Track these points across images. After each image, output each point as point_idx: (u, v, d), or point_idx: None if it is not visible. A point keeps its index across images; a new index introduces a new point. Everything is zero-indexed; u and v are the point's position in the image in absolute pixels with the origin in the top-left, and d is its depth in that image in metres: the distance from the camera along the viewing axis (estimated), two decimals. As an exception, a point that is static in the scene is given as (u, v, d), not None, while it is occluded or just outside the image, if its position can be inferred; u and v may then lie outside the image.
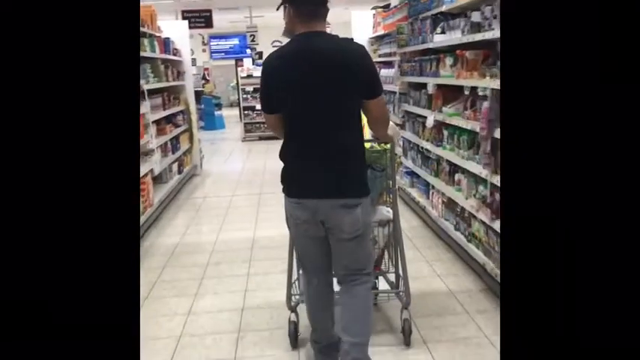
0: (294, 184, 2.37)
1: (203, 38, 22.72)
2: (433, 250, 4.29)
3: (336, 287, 2.61)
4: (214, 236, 4.90)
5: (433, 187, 4.64)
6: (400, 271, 3.01)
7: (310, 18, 2.29)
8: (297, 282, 3.02)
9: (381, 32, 6.86)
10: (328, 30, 2.43)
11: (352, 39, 3.10)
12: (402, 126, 5.69)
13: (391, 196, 2.99)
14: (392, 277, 3.23)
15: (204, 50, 23.29)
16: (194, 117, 7.81)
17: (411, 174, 5.45)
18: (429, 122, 4.41)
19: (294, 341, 2.91)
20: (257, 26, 15.36)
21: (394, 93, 5.85)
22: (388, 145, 2.83)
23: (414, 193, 5.24)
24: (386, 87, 6.33)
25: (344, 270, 2.48)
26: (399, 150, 5.82)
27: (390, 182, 2.96)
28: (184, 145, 7.40)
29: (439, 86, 4.32)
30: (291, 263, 2.91)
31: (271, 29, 19.80)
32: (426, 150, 4.71)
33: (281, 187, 2.43)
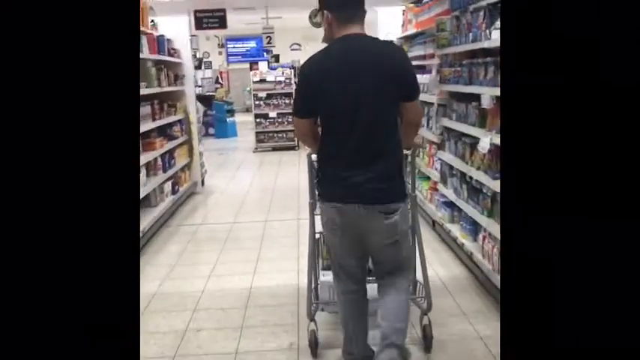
0: (332, 188, 2.35)
1: (219, 40, 21.89)
2: (486, 316, 3.20)
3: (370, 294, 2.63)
4: (201, 284, 3.87)
5: (485, 230, 3.55)
6: (420, 277, 2.96)
7: (349, 21, 2.31)
8: (315, 290, 3.00)
9: (412, 31, 5.80)
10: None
11: (391, 41, 2.85)
12: (439, 145, 4.61)
13: (409, 202, 2.72)
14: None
15: (220, 53, 22.44)
16: (194, 127, 6.80)
17: (451, 206, 4.36)
18: (484, 146, 3.33)
19: (315, 350, 2.81)
20: (273, 27, 14.37)
21: (431, 104, 4.77)
22: (409, 151, 2.74)
23: (456, 231, 4.15)
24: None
25: (383, 271, 2.51)
26: (436, 174, 4.73)
27: (410, 187, 2.85)
28: (181, 160, 6.39)
29: (499, 99, 3.23)
30: (312, 268, 2.92)
31: (289, 32, 18.90)
32: (477, 181, 3.62)
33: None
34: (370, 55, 2.27)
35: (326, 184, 2.38)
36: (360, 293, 2.57)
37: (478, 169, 3.56)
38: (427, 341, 2.80)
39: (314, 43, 19.68)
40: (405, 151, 2.64)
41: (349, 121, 2.24)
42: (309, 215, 2.84)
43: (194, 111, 6.84)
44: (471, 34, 3.63)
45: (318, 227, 2.73)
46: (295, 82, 10.75)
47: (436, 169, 4.72)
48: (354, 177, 2.26)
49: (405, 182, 2.58)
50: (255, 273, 4.04)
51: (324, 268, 3.07)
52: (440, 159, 4.56)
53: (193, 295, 3.67)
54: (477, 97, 3.57)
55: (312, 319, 2.86)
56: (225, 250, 4.62)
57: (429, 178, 5.12)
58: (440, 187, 4.57)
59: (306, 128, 2.41)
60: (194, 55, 15.78)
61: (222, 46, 21.81)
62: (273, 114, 10.45)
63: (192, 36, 14.06)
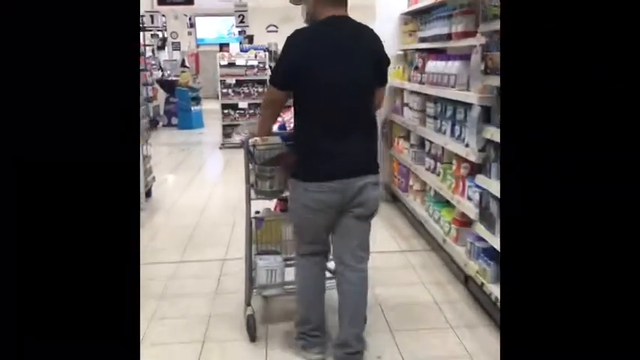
0: (324, 165, 2.33)
1: (190, 19, 20.06)
2: None
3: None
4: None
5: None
6: None
7: (336, 2, 2.37)
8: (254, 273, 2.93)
9: (426, 3, 4.30)
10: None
11: (371, 28, 2.49)
12: (478, 166, 3.13)
13: None
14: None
15: (190, 33, 20.63)
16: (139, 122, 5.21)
17: (496, 257, 2.91)
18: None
19: (254, 335, 2.80)
20: (247, 5, 12.74)
21: (464, 105, 3.28)
22: None
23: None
24: (440, 91, 3.76)
25: (350, 253, 2.50)
26: (470, 207, 3.25)
27: None
28: (116, 169, 4.82)
29: None
30: (249, 254, 2.91)
31: (265, 12, 17.27)
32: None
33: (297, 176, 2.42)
34: (359, 39, 2.38)
35: (316, 162, 2.35)
36: (323, 254, 2.62)
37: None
38: None
39: (292, 25, 18.07)
40: None
41: (340, 99, 2.30)
42: (245, 202, 2.85)
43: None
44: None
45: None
46: (275, 61, 9.18)
47: (470, 198, 3.25)
48: (350, 152, 2.33)
49: None
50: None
51: (258, 253, 3.00)
52: (478, 187, 3.09)
53: None
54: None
55: (249, 303, 2.89)
56: (156, 319, 3.09)
57: (448, 203, 3.67)
58: (477, 227, 3.11)
59: (280, 100, 2.44)
60: (155, 35, 14.13)
61: (191, 25, 20.05)
62: (243, 104, 8.87)
63: (152, 12, 12.41)
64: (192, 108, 11.42)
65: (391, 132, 5.25)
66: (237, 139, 3.05)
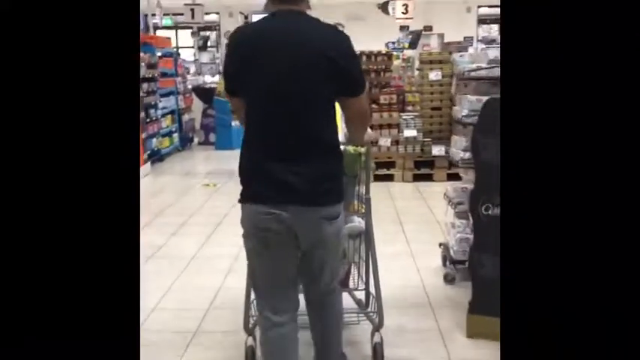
0: (260, 186, 1.99)
1: (246, 17, 18.23)
2: None
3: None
4: None
5: None
6: (372, 290, 2.73)
7: None
8: (255, 302, 2.47)
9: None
10: None
11: (336, 26, 2.14)
12: None
13: (364, 205, 2.68)
14: (360, 295, 2.96)
15: (245, 33, 18.73)
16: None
17: None
18: None
19: None
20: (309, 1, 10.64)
21: None
22: (363, 149, 2.58)
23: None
24: None
25: (315, 293, 2.24)
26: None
27: (363, 189, 2.66)
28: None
29: None
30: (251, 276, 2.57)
31: (328, 9, 15.13)
32: None
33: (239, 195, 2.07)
34: (311, 38, 1.99)
35: (252, 182, 2.02)
36: (291, 326, 2.14)
37: None
38: None
39: (361, 23, 15.93)
40: (359, 149, 2.55)
41: (280, 106, 1.97)
42: None
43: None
44: None
45: None
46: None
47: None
48: (293, 176, 1.95)
49: (356, 182, 2.52)
50: None
51: None
52: None
53: None
54: None
55: (250, 333, 2.63)
56: None
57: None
58: None
59: (238, 107, 2.11)
60: (196, 32, 12.27)
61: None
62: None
63: (192, 5, 10.52)
64: (233, 123, 9.33)
65: None
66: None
